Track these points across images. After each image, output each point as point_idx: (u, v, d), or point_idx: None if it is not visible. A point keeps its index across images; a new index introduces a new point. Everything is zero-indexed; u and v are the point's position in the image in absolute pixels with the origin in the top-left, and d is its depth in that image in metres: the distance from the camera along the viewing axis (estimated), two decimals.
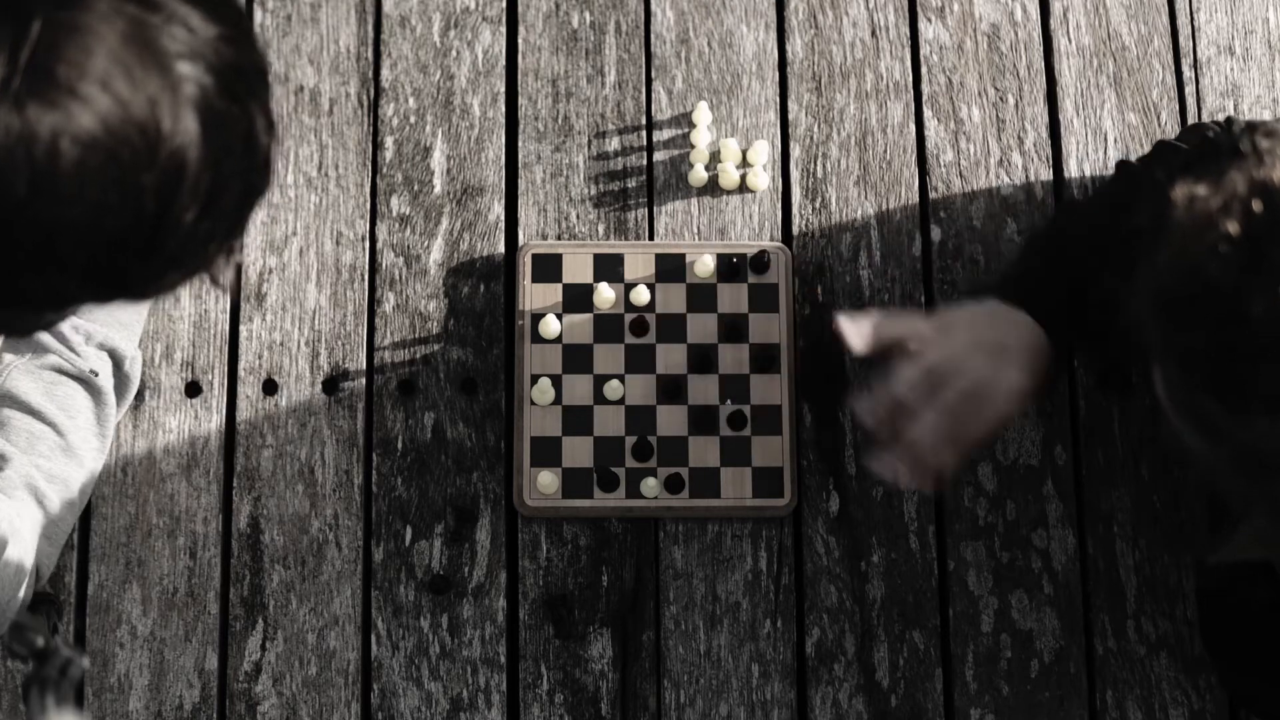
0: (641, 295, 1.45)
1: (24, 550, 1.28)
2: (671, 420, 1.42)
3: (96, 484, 1.39)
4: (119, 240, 0.88)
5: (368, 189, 1.50)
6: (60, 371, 1.35)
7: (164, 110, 0.87)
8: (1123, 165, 1.37)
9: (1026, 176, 1.51)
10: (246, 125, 0.91)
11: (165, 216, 0.88)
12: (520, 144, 1.51)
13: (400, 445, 1.43)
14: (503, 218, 1.49)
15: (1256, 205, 0.91)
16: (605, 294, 1.44)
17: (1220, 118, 1.41)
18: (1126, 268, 1.09)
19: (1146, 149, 1.48)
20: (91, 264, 0.88)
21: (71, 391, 1.35)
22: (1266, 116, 1.53)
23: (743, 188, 1.50)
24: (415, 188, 1.50)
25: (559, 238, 1.48)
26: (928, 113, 1.52)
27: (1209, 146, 1.31)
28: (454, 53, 1.53)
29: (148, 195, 0.87)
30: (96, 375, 1.35)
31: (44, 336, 1.35)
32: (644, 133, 1.51)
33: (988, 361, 1.25)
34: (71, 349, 1.35)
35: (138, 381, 1.39)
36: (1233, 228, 0.91)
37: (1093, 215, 1.35)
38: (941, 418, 1.23)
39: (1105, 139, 1.52)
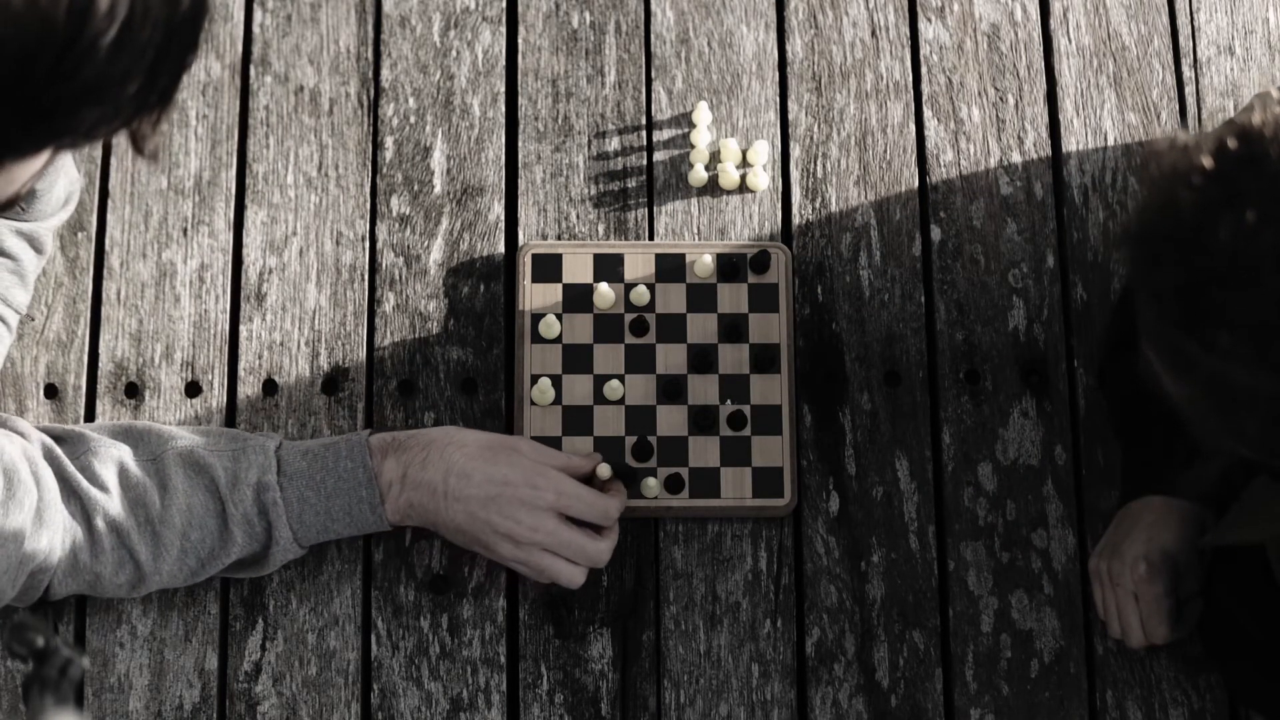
0: (641, 295, 1.45)
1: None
2: (671, 420, 1.42)
3: None
4: (29, 54, 0.87)
5: (368, 189, 1.50)
6: (200, 474, 1.32)
7: None
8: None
9: (1026, 176, 1.51)
10: None
11: (78, 37, 0.88)
12: (520, 144, 1.51)
13: None
14: (503, 218, 1.49)
15: (1232, 143, 0.93)
16: (605, 294, 1.44)
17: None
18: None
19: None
20: (1, 78, 0.87)
21: (149, 485, 1.31)
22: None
23: (743, 188, 1.50)
24: (415, 188, 1.50)
25: (559, 238, 1.48)
26: (928, 113, 1.52)
27: None
28: (454, 53, 1.53)
29: (58, 9, 0.86)
30: None
31: (250, 446, 1.33)
32: (644, 133, 1.51)
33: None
34: (237, 479, 1.32)
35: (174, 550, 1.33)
36: (1207, 162, 0.93)
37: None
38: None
39: (1105, 139, 1.52)
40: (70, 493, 1.29)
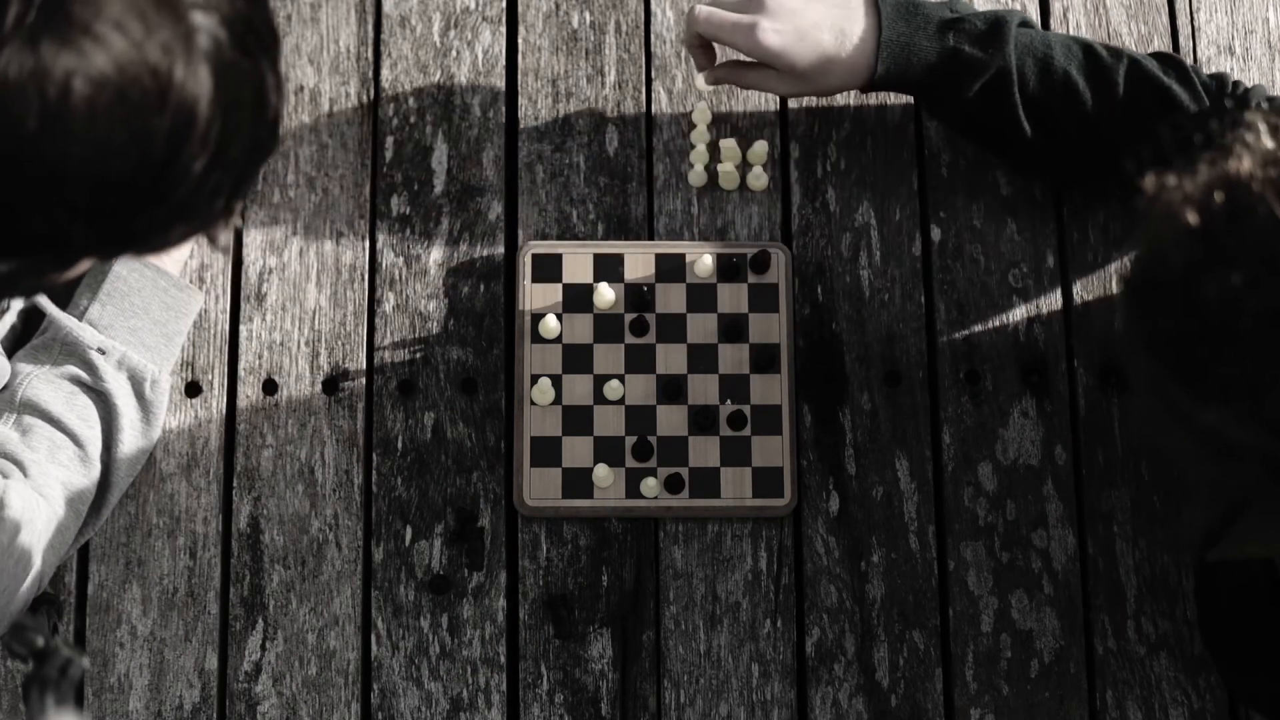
0: (641, 295, 1.45)
1: (35, 541, 1.28)
2: (671, 420, 1.42)
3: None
4: (126, 182, 0.88)
5: (368, 189, 1.50)
6: (78, 383, 1.35)
7: (177, 56, 0.87)
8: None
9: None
10: (257, 80, 0.92)
11: (173, 163, 0.89)
12: (520, 144, 1.51)
13: (400, 445, 1.43)
14: (503, 218, 1.49)
15: (1217, 197, 0.93)
16: (605, 294, 1.44)
17: (1243, 88, 1.38)
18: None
19: None
20: (97, 206, 0.88)
21: (88, 402, 1.34)
22: None
23: (743, 188, 1.49)
24: (415, 188, 1.50)
25: (559, 238, 1.48)
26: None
27: (1218, 113, 1.33)
28: (454, 53, 1.53)
29: (157, 139, 0.88)
30: (112, 393, 1.35)
31: (65, 341, 1.35)
32: (644, 133, 1.51)
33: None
34: (90, 364, 1.35)
35: (163, 407, 1.39)
36: (1193, 218, 0.93)
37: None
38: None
39: None
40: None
